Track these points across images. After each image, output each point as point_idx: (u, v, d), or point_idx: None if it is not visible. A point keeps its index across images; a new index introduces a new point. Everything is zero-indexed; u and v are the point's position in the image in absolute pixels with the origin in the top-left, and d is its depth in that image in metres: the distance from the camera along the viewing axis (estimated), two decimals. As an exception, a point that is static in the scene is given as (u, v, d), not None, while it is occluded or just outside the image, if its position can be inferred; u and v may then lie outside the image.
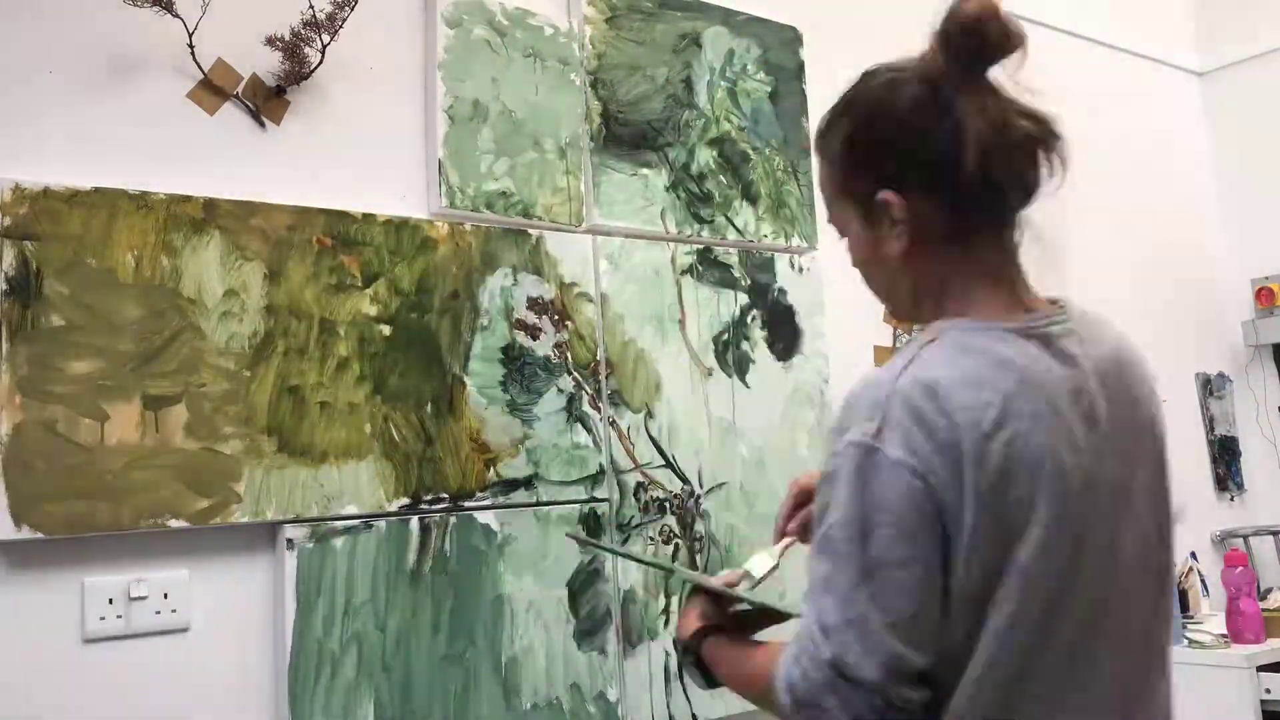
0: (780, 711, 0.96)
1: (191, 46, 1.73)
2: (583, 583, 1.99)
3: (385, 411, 1.82)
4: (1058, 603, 0.94)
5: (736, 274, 2.33)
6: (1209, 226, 3.66)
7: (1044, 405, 0.94)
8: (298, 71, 1.82)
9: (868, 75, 1.07)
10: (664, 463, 2.14)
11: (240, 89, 1.80)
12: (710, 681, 1.23)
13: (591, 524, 2.01)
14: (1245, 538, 3.34)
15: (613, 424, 2.08)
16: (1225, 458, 3.46)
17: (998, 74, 1.01)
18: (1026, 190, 1.02)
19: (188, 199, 1.69)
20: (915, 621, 0.91)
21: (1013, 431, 0.92)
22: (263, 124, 1.82)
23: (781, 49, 2.51)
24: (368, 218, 1.85)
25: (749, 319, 2.34)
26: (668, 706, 2.05)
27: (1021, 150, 1.00)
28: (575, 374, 2.05)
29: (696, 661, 1.23)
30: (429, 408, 1.87)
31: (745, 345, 2.32)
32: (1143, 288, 3.33)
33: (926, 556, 0.91)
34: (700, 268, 2.27)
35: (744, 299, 2.33)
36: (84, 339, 1.58)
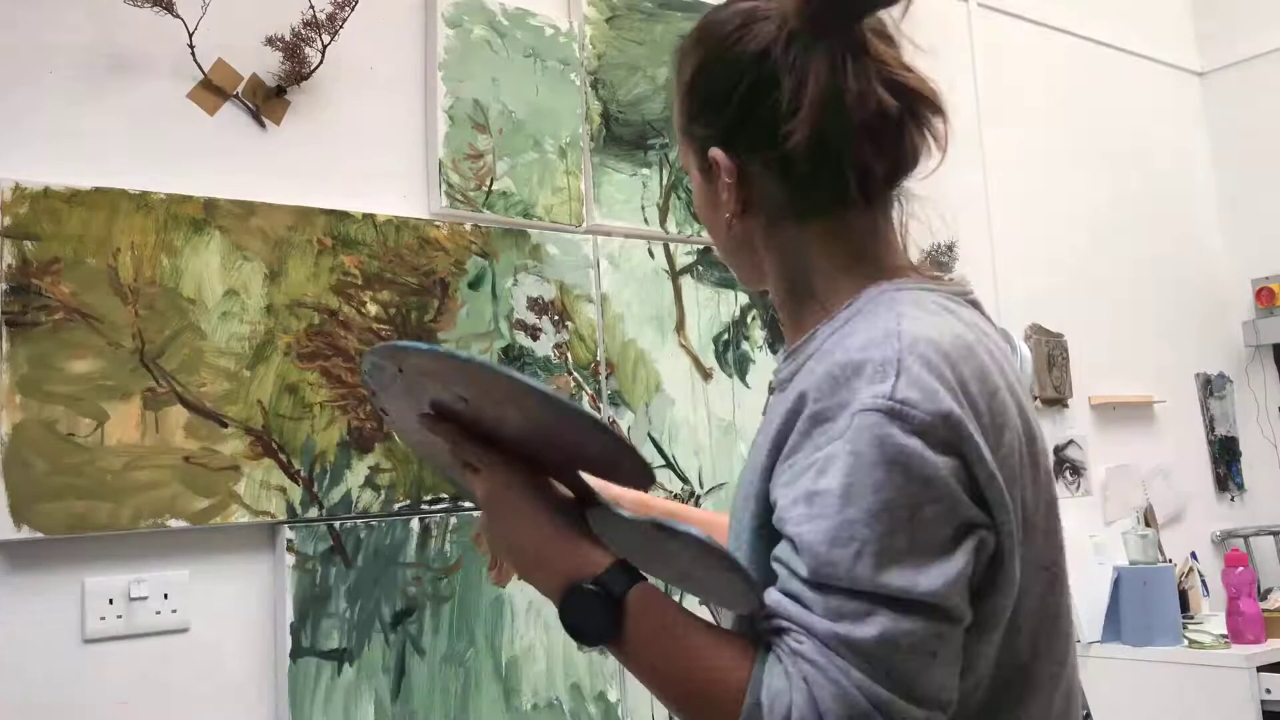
0: None
1: (191, 46, 1.73)
2: (583, 583, 1.99)
3: (385, 411, 1.82)
4: (1053, 584, 0.82)
5: (736, 274, 2.33)
6: (1209, 226, 3.66)
7: (1008, 372, 0.82)
8: (298, 72, 1.82)
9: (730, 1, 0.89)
10: (664, 463, 2.14)
11: (240, 89, 1.80)
12: (602, 636, 0.79)
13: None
14: (1245, 538, 3.34)
15: (613, 424, 2.08)
16: (1225, 458, 3.46)
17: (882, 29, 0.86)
18: (895, 167, 0.86)
19: (188, 199, 1.69)
20: None
21: (1002, 400, 0.79)
22: (263, 124, 1.82)
23: (781, 49, 2.51)
24: (367, 218, 1.85)
25: (749, 319, 2.34)
26: (668, 706, 2.05)
27: (880, 123, 0.83)
28: (575, 374, 2.05)
29: (610, 605, 0.79)
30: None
31: (745, 345, 2.32)
32: (1143, 288, 3.33)
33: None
34: (700, 268, 2.27)
35: (744, 299, 2.33)
36: (84, 339, 1.58)
